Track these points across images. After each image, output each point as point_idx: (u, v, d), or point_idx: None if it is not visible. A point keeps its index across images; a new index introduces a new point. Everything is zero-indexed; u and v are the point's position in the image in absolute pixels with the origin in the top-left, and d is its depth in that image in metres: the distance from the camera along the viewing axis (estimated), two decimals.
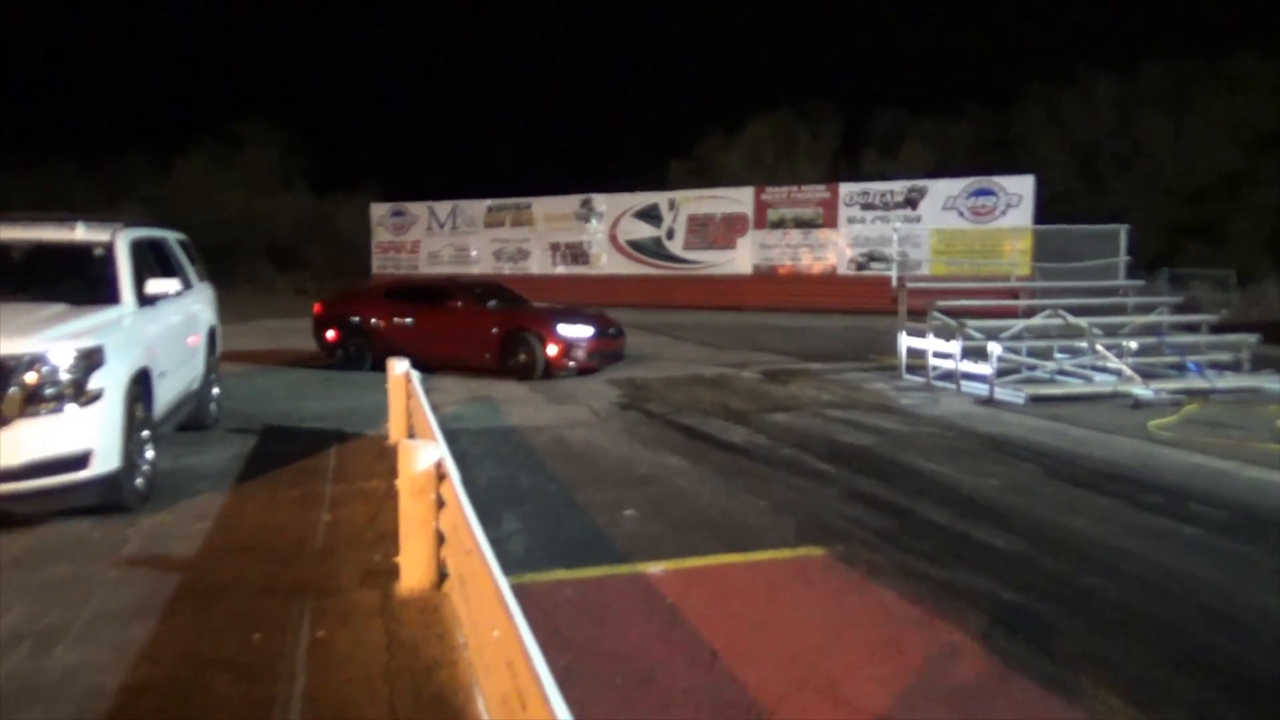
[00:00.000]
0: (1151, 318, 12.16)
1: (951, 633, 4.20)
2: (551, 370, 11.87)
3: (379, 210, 32.32)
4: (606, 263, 28.08)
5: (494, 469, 7.28)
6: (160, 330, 6.73)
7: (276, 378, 12.40)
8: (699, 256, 27.05)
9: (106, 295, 6.22)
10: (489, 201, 30.21)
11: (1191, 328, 12.44)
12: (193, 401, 7.84)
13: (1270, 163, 29.11)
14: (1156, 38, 44.43)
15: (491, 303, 13.01)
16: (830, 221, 25.27)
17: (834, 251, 25.26)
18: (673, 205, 27.49)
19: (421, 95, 78.21)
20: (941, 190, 24.00)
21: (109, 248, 6.50)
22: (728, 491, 6.61)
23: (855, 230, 24.93)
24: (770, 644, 4.10)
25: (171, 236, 8.35)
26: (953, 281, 18.70)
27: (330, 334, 13.23)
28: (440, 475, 4.43)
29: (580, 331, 12.08)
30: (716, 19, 77.88)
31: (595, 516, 5.99)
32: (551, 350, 11.76)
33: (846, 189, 25.49)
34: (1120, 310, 12.74)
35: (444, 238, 30.84)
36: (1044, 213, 22.90)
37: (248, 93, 59.67)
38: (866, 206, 24.82)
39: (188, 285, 8.11)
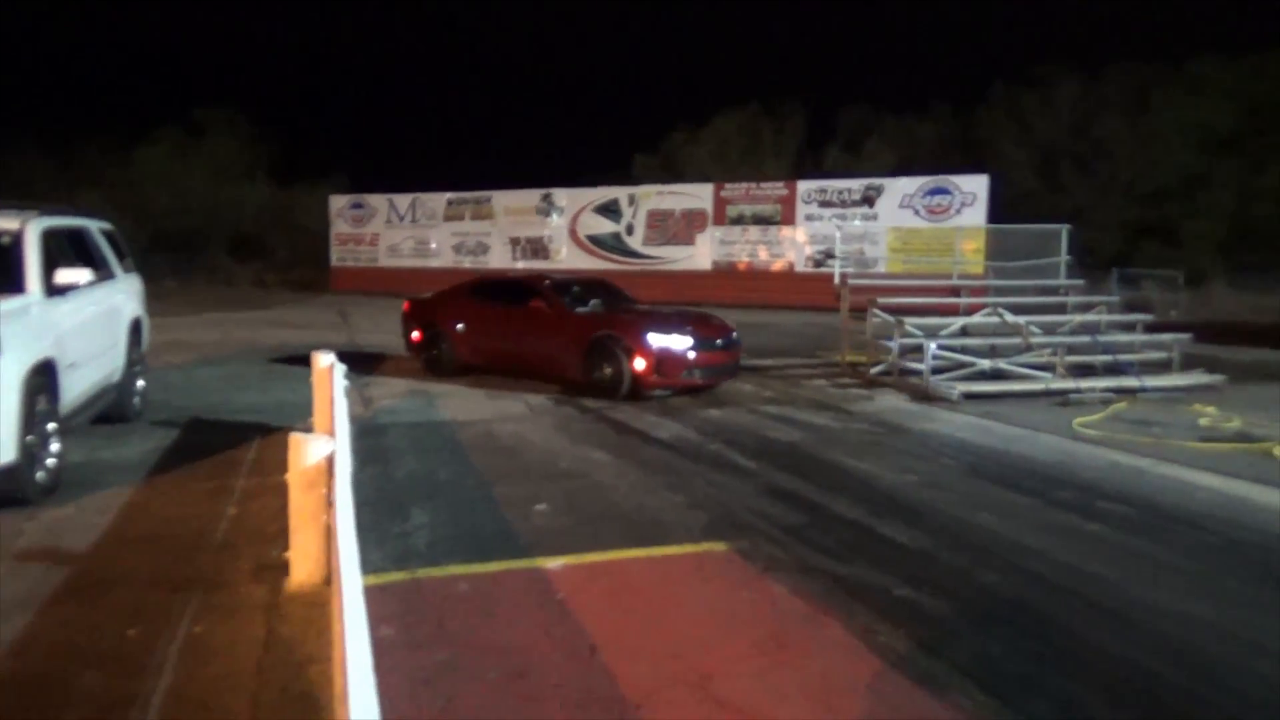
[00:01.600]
0: (1089, 317, 12.31)
1: (835, 628, 4.23)
2: (641, 388, 9.96)
3: (338, 202, 31.97)
4: (566, 257, 27.95)
5: (415, 463, 7.23)
6: (72, 321, 6.61)
7: (216, 370, 12.24)
8: (658, 252, 27.01)
9: (11, 284, 6.12)
10: (449, 194, 29.98)
11: (1128, 327, 12.62)
12: (112, 393, 7.72)
13: (1226, 166, 29.58)
14: (1119, 40, 44.97)
15: (592, 303, 11.23)
16: (788, 219, 25.33)
17: (792, 248, 25.33)
18: (632, 200, 27.44)
19: (387, 87, 77.71)
20: (898, 188, 24.13)
21: (17, 236, 6.39)
22: (646, 487, 6.61)
23: (813, 227, 24.99)
24: (653, 639, 4.10)
25: (94, 226, 8.21)
26: (896, 279, 18.81)
27: (415, 334, 12.05)
28: (331, 469, 4.38)
29: (676, 341, 9.93)
30: (683, 13, 77.98)
31: (506, 511, 5.97)
32: (639, 364, 9.82)
33: (804, 186, 25.57)
34: (1060, 309, 12.90)
35: (404, 230, 30.58)
36: (1006, 212, 23.08)
37: (212, 80, 58.99)
38: (824, 204, 24.91)
39: (109, 276, 7.99)
